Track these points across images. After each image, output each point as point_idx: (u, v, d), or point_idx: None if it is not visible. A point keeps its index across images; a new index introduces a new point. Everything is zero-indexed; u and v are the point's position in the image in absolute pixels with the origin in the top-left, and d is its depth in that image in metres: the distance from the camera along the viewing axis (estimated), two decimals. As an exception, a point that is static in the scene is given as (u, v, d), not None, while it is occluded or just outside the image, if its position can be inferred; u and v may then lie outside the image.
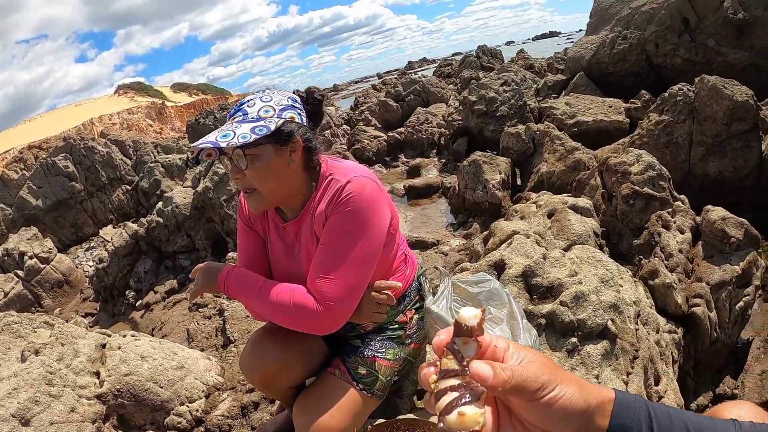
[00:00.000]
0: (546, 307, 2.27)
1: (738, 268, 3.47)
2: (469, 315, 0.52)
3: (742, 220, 3.71)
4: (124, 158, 12.79)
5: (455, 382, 0.47)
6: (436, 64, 31.37)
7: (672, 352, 2.83)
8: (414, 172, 10.20)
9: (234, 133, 1.56)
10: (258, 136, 1.56)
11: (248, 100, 1.68)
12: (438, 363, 0.51)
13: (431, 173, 9.87)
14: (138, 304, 6.65)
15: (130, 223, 8.25)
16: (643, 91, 9.58)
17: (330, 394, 1.79)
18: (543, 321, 2.23)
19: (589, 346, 2.22)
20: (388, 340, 1.95)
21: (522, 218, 3.50)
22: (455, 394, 0.47)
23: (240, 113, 1.65)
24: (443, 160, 10.57)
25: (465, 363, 0.48)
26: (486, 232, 3.32)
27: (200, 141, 1.56)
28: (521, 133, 7.84)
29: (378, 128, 13.32)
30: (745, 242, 3.62)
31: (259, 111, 1.63)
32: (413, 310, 2.02)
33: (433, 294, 1.99)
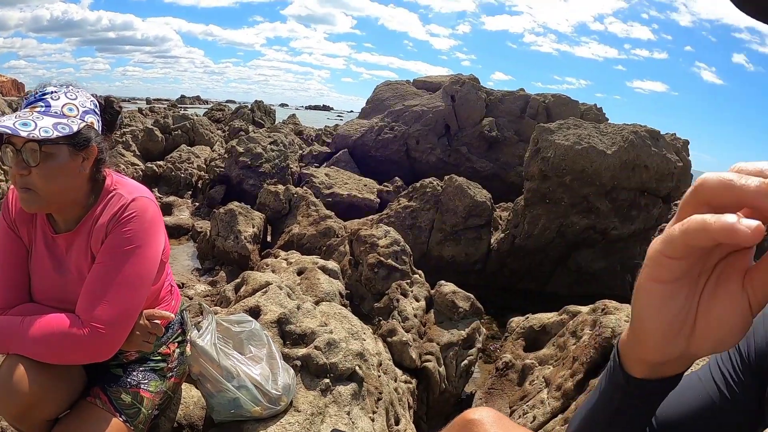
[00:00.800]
0: (301, 351, 2.50)
1: (464, 332, 4.22)
2: None
3: (469, 294, 4.53)
4: None
5: None
6: (209, 106, 31.02)
7: (408, 399, 3.31)
8: (166, 209, 9.85)
9: (35, 124, 1.43)
10: (60, 134, 1.46)
11: (52, 92, 1.55)
12: None
13: (183, 214, 9.69)
14: None
15: None
16: (396, 177, 10.71)
17: (91, 426, 1.62)
18: (299, 363, 2.43)
19: (340, 387, 2.48)
20: (150, 372, 1.84)
21: (273, 272, 3.76)
22: None
23: (42, 103, 1.52)
24: (197, 204, 10.46)
25: None
26: (238, 280, 3.44)
27: None
28: (280, 192, 8.21)
29: (137, 155, 12.60)
30: (470, 313, 4.41)
31: (63, 107, 1.53)
32: (176, 343, 1.96)
33: (197, 329, 2.04)
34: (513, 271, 8.21)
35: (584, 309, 4.13)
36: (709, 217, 0.42)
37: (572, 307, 4.38)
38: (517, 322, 4.62)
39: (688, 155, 10.01)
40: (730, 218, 0.41)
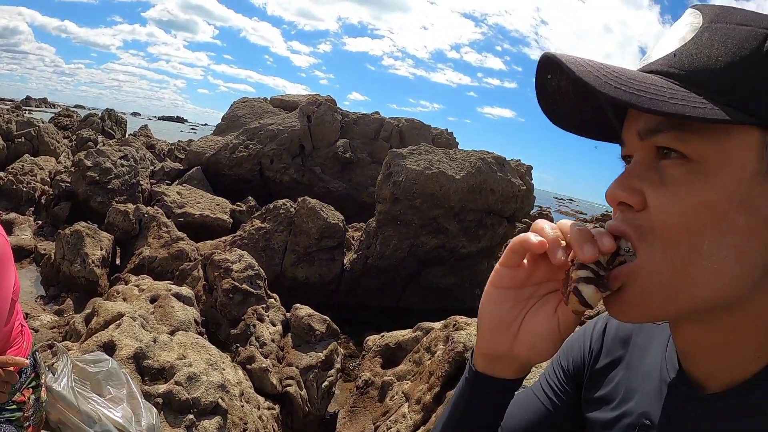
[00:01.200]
0: (161, 388, 2.40)
1: (322, 354, 4.27)
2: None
3: (325, 316, 4.59)
4: None
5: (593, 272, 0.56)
6: (56, 110, 28.51)
7: (273, 426, 3.27)
8: (5, 228, 8.83)
9: None
10: None
11: None
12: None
13: (25, 234, 8.69)
14: None
15: None
16: (250, 197, 10.54)
17: None
18: (160, 400, 2.33)
19: (204, 422, 2.41)
20: (6, 423, 1.68)
21: (125, 300, 3.57)
22: (594, 278, 0.55)
23: None
24: (40, 222, 9.49)
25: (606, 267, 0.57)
26: (88, 311, 3.25)
27: None
28: (130, 212, 7.74)
29: (-33, 163, 11.25)
30: (327, 334, 4.47)
31: None
32: (30, 389, 1.80)
33: (52, 372, 1.89)
34: (367, 289, 8.42)
35: (436, 325, 4.37)
36: (523, 234, 0.60)
37: (425, 324, 4.61)
38: (373, 340, 4.76)
39: (531, 179, 11.03)
40: (532, 235, 0.59)
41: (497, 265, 0.64)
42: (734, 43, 0.50)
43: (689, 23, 0.55)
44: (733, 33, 0.51)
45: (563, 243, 0.58)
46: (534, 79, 0.60)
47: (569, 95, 0.60)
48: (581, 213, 51.74)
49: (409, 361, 4.19)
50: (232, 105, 15.17)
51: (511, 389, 0.70)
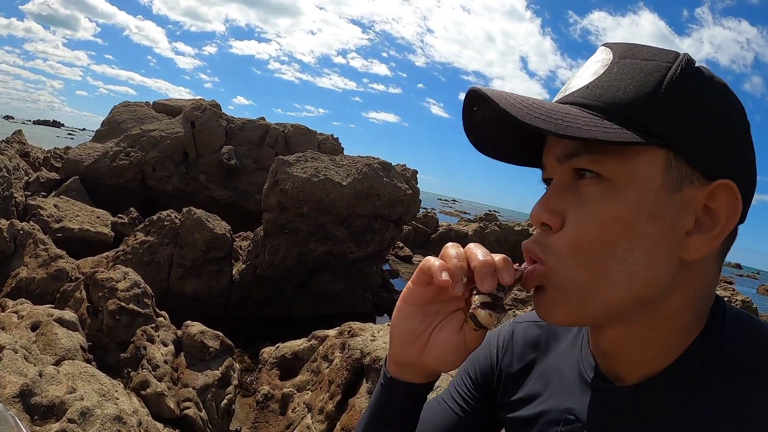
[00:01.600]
0: (54, 427, 2.27)
1: (218, 372, 4.18)
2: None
3: (218, 332, 4.49)
4: None
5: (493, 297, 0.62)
6: None
7: None
8: None
9: None
10: None
11: None
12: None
13: None
14: None
15: None
16: (132, 209, 10.04)
17: None
18: None
19: None
20: None
21: (3, 329, 3.33)
22: (491, 303, 0.62)
23: None
24: None
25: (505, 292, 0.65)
26: (-37, 344, 3.02)
27: None
28: (3, 228, 7.10)
29: None
30: (221, 350, 4.39)
31: None
32: None
33: None
34: (257, 300, 8.33)
35: (331, 333, 4.43)
36: (432, 258, 0.65)
37: (320, 332, 4.65)
38: (269, 352, 4.73)
39: (417, 183, 11.37)
40: (438, 269, 0.63)
41: (409, 283, 0.69)
42: (640, 75, 0.57)
43: (601, 59, 0.61)
44: (640, 67, 0.58)
45: (464, 278, 0.63)
46: (462, 113, 0.66)
47: (494, 127, 0.65)
48: (465, 213, 53.91)
49: (308, 371, 4.22)
50: (112, 109, 14.32)
51: (423, 393, 0.75)
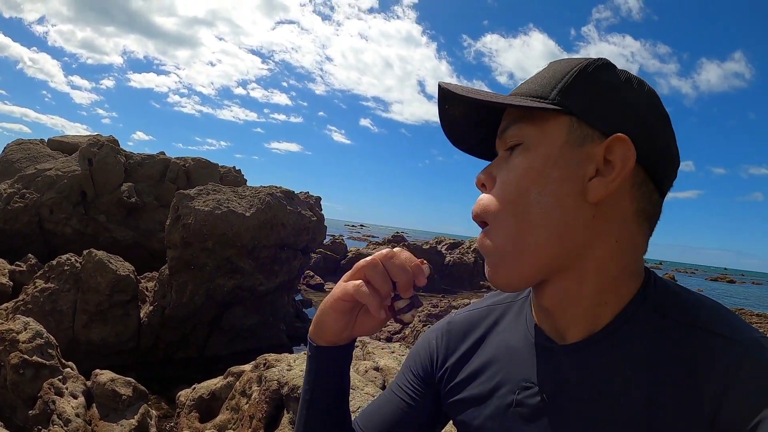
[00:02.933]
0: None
1: (134, 421, 4.08)
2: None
3: (129, 378, 4.39)
4: None
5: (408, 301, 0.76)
6: None
7: None
8: None
9: None
10: None
11: None
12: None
13: None
14: None
15: None
16: (30, 255, 9.48)
17: None
18: None
19: None
20: None
21: None
22: (410, 303, 0.76)
23: None
24: None
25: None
26: None
27: None
28: None
29: None
30: (135, 398, 4.29)
31: None
32: None
33: None
34: (169, 342, 8.10)
35: (247, 367, 4.43)
36: (356, 284, 0.76)
37: (235, 368, 4.63)
38: (185, 395, 4.65)
39: (321, 209, 11.44)
40: (363, 288, 0.75)
41: (337, 300, 0.80)
42: (558, 69, 0.73)
43: (541, 67, 0.78)
44: (560, 64, 0.74)
45: (389, 300, 0.77)
46: (438, 111, 0.80)
47: (463, 121, 0.80)
48: (372, 236, 54.65)
49: (227, 409, 4.20)
50: (5, 148, 13.51)
51: (349, 350, 0.88)
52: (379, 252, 0.77)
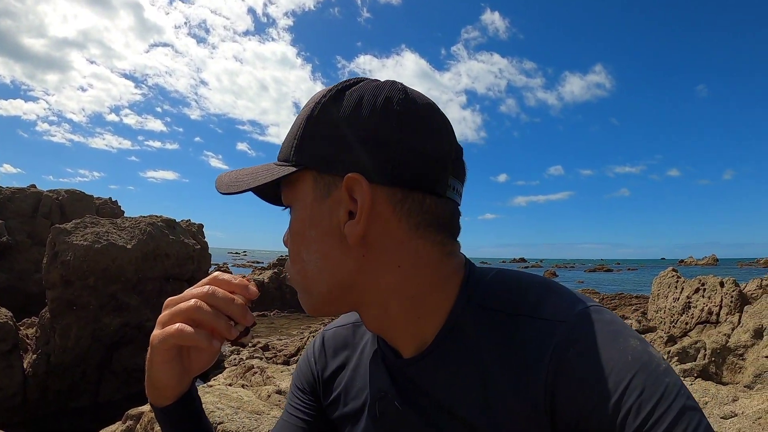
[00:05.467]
0: None
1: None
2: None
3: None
4: None
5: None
6: None
7: None
8: None
9: None
10: None
11: None
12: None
13: None
14: None
15: None
16: None
17: None
18: None
19: None
20: None
21: None
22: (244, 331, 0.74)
23: None
24: None
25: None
26: None
27: None
28: None
29: None
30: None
31: None
32: None
33: None
34: (58, 392, 7.62)
35: (146, 408, 4.28)
36: (187, 329, 0.71)
37: (134, 410, 4.46)
38: (82, 446, 4.44)
39: (204, 237, 11.19)
40: (200, 336, 0.71)
41: (159, 353, 0.75)
42: (297, 121, 0.73)
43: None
44: (302, 113, 0.73)
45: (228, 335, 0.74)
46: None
47: (263, 195, 0.83)
48: (258, 262, 53.94)
49: (130, 456, 4.06)
50: None
51: (194, 393, 0.84)
52: (198, 290, 0.74)
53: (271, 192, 0.80)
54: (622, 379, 0.59)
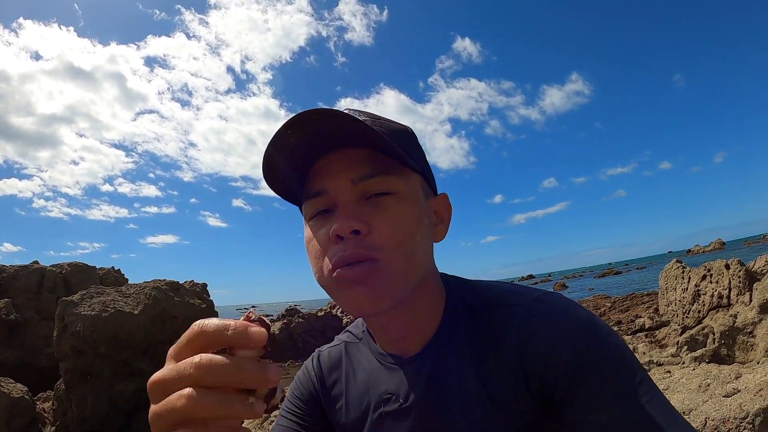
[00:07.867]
0: None
1: None
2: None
3: None
4: None
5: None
6: None
7: None
8: None
9: None
10: None
11: None
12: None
13: None
14: None
15: None
16: None
17: None
18: None
19: None
20: None
21: None
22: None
23: None
24: None
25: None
26: None
27: None
28: None
29: None
30: None
31: None
32: None
33: None
34: (79, 462, 7.58)
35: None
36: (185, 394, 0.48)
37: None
38: None
39: (209, 296, 11.24)
40: (201, 399, 0.46)
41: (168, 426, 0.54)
42: (396, 125, 0.85)
43: (350, 111, 0.81)
44: (391, 120, 0.86)
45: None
46: (271, 142, 0.73)
47: (282, 169, 0.78)
48: (267, 315, 53.42)
49: None
50: None
51: None
52: (184, 367, 0.49)
53: (306, 156, 0.78)
54: (573, 338, 0.74)
